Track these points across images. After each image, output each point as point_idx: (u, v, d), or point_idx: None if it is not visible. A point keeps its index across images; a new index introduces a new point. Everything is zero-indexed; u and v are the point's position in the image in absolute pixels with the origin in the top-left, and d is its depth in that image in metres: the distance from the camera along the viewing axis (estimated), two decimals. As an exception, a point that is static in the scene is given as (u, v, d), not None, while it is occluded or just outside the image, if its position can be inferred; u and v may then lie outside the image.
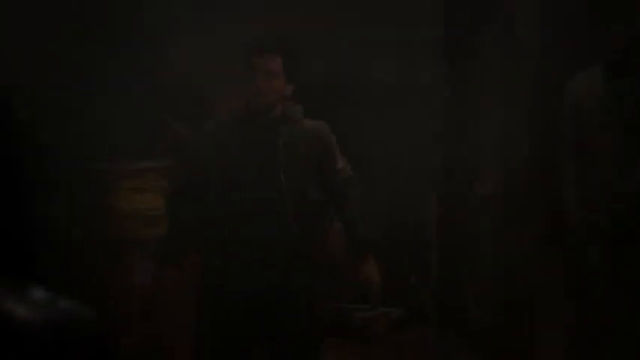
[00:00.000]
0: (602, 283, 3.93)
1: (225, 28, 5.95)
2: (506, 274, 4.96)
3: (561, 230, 4.18)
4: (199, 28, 6.05)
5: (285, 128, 3.65)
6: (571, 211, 4.07)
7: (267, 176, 3.61)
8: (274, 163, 3.60)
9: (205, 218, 3.71)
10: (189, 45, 6.01)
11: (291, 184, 3.60)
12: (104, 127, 5.39)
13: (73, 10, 5.75)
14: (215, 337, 3.72)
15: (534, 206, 4.69)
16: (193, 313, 3.89)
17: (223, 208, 3.64)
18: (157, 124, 5.36)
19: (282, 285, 3.65)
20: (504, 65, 4.82)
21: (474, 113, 5.19)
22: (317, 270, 3.76)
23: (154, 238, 4.34)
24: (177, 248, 3.77)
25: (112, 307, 4.54)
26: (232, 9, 6.12)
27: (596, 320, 3.94)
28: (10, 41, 5.45)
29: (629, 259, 3.94)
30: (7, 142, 1.23)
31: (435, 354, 5.34)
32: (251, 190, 3.60)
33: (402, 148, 5.98)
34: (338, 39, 6.09)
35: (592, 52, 3.91)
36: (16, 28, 5.51)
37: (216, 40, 5.69)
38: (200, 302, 3.82)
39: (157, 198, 4.73)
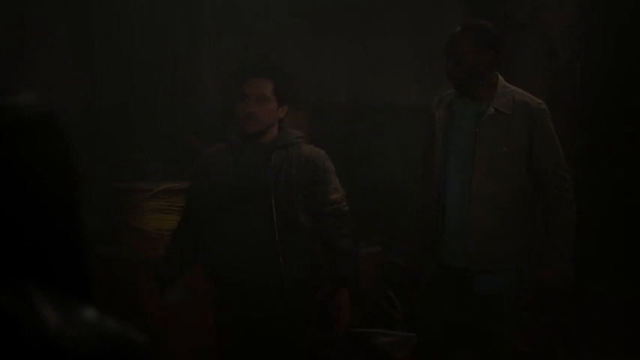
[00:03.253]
0: None
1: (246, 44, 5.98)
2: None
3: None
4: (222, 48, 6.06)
5: (278, 152, 3.63)
6: None
7: (257, 201, 3.57)
8: (265, 188, 3.57)
9: (204, 240, 3.68)
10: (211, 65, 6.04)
11: (281, 209, 3.57)
12: (132, 148, 5.40)
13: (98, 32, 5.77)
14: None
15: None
16: (207, 336, 3.85)
17: (218, 232, 3.61)
18: (184, 146, 5.37)
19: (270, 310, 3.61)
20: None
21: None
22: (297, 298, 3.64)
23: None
24: (173, 265, 3.70)
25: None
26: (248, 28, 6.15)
27: None
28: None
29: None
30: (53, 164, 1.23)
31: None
32: (242, 216, 3.58)
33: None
34: (352, 60, 6.13)
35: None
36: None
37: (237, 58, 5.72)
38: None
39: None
